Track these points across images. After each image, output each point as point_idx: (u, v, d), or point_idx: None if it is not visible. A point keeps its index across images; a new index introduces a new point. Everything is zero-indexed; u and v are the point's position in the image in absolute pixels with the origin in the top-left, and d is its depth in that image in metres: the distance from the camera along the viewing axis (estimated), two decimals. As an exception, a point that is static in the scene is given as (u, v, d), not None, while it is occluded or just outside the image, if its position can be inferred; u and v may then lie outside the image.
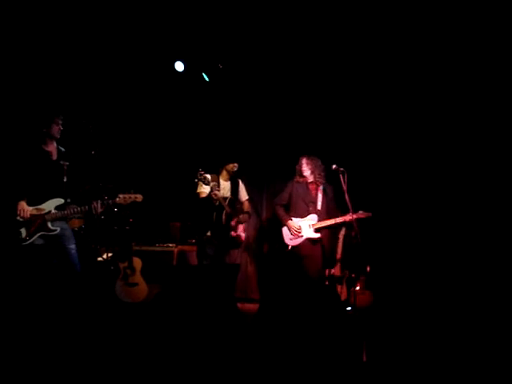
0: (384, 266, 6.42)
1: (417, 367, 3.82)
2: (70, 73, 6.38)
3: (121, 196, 4.82)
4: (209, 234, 5.58)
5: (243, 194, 5.96)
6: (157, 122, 7.21)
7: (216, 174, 5.70)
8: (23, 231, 4.37)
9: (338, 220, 5.79)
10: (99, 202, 4.65)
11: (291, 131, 7.16)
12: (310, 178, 5.95)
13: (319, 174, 5.94)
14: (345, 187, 5.40)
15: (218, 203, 5.45)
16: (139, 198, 4.92)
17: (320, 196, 5.91)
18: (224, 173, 5.78)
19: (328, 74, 6.69)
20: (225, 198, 5.57)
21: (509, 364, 3.84)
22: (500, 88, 5.90)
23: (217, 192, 5.35)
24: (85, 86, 6.58)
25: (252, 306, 6.28)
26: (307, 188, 5.95)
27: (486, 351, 4.17)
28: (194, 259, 6.42)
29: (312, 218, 5.83)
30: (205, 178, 5.30)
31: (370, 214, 5.88)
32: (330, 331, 4.50)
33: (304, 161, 5.96)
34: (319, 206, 5.89)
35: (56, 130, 4.59)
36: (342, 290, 6.11)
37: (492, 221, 5.91)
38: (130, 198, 4.86)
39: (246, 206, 5.95)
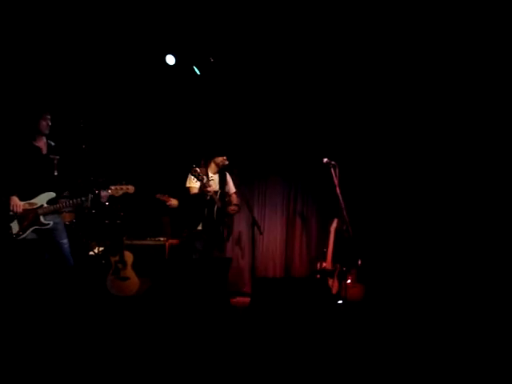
0: (376, 259, 6.45)
1: (408, 360, 3.85)
2: (60, 67, 6.32)
3: (112, 188, 4.82)
4: (199, 227, 5.61)
5: (231, 187, 6.01)
6: (148, 115, 7.18)
7: (204, 166, 5.72)
8: (16, 226, 4.36)
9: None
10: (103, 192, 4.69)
11: (282, 126, 7.16)
12: None
13: None
14: (336, 181, 5.43)
15: (209, 198, 5.46)
16: (131, 189, 4.92)
17: None
18: (212, 165, 5.80)
19: (319, 67, 6.68)
20: (215, 192, 5.60)
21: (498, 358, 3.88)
22: (488, 86, 5.95)
23: (209, 188, 5.39)
24: (75, 80, 6.53)
25: (243, 300, 6.30)
26: None
27: (478, 344, 4.20)
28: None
29: None
30: (198, 173, 5.31)
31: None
32: (321, 324, 4.51)
33: None
34: None
35: (44, 125, 4.56)
36: (334, 284, 6.14)
37: (482, 213, 5.97)
38: (122, 189, 4.87)
39: (235, 199, 6.01)
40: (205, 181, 5.36)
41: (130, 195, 4.95)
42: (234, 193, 6.04)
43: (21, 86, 5.98)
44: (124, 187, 4.87)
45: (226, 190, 5.94)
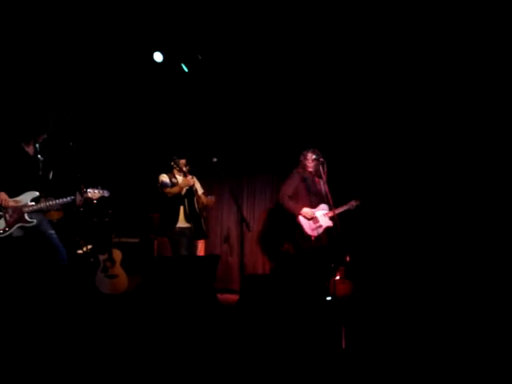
0: (364, 255, 6.48)
1: (395, 355, 3.87)
2: (48, 65, 6.31)
3: (90, 191, 4.86)
4: (178, 225, 5.64)
5: (198, 187, 6.00)
6: (136, 112, 7.17)
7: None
8: (2, 223, 4.37)
9: (345, 208, 6.04)
10: (78, 194, 4.71)
11: (270, 124, 7.17)
12: (313, 172, 6.04)
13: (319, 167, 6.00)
14: (324, 177, 5.45)
15: (185, 190, 5.57)
16: (106, 193, 4.98)
17: (324, 188, 5.88)
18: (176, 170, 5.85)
19: (308, 63, 6.69)
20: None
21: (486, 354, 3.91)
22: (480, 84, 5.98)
23: (189, 177, 5.50)
24: (62, 78, 6.51)
25: (232, 297, 6.31)
26: (312, 180, 6.03)
27: (466, 339, 4.24)
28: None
29: (323, 208, 5.96)
30: (179, 163, 5.46)
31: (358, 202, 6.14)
32: (310, 320, 4.54)
33: (310, 156, 5.99)
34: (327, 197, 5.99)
35: (41, 139, 4.70)
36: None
37: (471, 208, 6.01)
38: (99, 192, 4.90)
39: (204, 199, 5.95)
40: (185, 169, 5.50)
41: (118, 193, 4.98)
42: (203, 193, 6.02)
43: (9, 84, 5.96)
44: (101, 191, 4.92)
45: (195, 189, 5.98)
